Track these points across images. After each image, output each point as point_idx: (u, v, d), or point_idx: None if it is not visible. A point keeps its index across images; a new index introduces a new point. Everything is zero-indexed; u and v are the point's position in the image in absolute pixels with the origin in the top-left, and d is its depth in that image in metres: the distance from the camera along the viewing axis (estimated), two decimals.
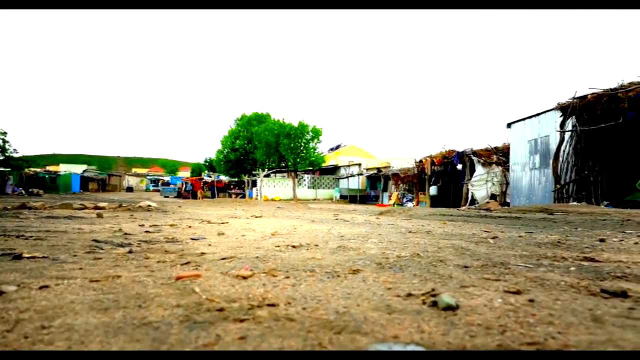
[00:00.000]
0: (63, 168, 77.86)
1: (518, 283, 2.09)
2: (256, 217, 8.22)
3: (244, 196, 41.55)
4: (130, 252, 3.27)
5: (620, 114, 15.32)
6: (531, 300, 1.75)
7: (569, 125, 18.17)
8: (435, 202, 29.03)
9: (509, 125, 23.81)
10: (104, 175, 72.27)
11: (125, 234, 4.72)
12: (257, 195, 38.87)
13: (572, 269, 2.52)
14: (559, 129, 18.63)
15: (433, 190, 29.58)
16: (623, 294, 1.82)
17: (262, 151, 33.80)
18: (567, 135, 18.33)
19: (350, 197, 39.21)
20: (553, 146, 19.31)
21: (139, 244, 3.84)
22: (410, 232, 5.05)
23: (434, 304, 1.70)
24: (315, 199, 40.86)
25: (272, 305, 1.73)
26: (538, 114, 21.05)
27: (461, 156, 27.10)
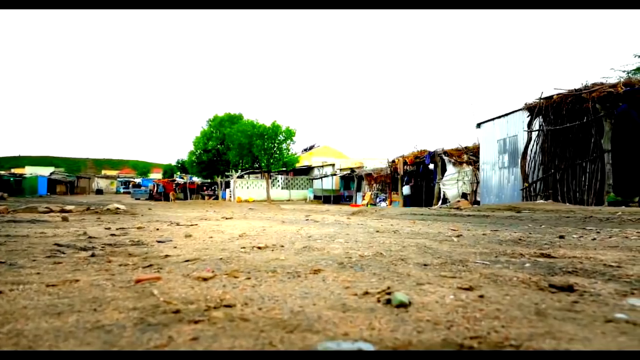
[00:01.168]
0: (29, 170, 75.60)
1: (472, 280, 2.16)
2: (226, 218, 8.17)
3: (217, 198, 41.21)
4: (92, 255, 3.23)
5: (585, 114, 15.80)
6: (481, 296, 1.80)
7: (536, 125, 18.64)
8: (408, 201, 29.36)
9: (478, 125, 24.27)
10: (72, 177, 70.65)
11: (90, 237, 4.64)
12: (230, 197, 38.63)
13: (527, 265, 2.60)
14: (526, 128, 19.10)
15: (406, 189, 29.93)
16: (569, 288, 1.90)
17: (235, 152, 33.57)
18: (534, 135, 18.80)
19: (324, 198, 39.33)
20: (521, 145, 19.78)
21: (102, 247, 3.79)
22: (377, 231, 5.11)
23: (388, 302, 1.74)
24: (289, 200, 40.83)
25: (229, 306, 1.75)
26: (506, 114, 21.52)
27: (432, 156, 27.49)
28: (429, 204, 27.07)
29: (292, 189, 44.21)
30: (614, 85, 15.58)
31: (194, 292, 2.00)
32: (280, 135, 33.53)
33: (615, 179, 14.27)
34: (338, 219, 7.90)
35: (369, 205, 28.77)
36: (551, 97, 17.70)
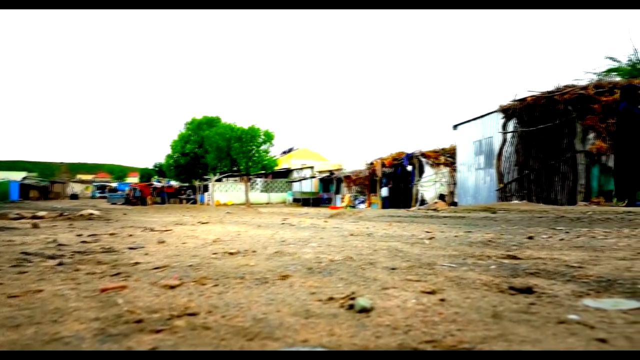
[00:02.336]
0: (0, 175, 73.81)
1: (436, 283, 2.19)
2: (202, 223, 8.11)
3: (195, 202, 40.85)
4: (60, 264, 3.18)
5: (557, 115, 16.17)
6: (442, 300, 1.84)
7: (511, 126, 19.00)
8: (386, 203, 29.56)
9: (455, 127, 24.58)
10: (45, 182, 69.27)
11: (60, 245, 4.56)
12: (208, 201, 38.31)
13: (493, 267, 2.66)
14: (501, 130, 19.44)
15: (384, 191, 30.13)
16: (528, 290, 1.95)
17: (213, 155, 33.35)
18: (508, 136, 19.15)
19: (303, 200, 39.33)
20: (496, 147, 20.11)
21: (72, 255, 3.73)
22: (352, 235, 5.14)
23: (351, 307, 1.76)
24: (268, 203, 40.73)
25: (192, 314, 1.75)
26: (482, 116, 21.84)
27: (410, 158, 27.76)
28: (408, 205, 27.29)
29: (271, 192, 44.12)
30: (585, 88, 15.99)
31: (159, 300, 1.99)
32: (259, 138, 33.48)
33: (619, 179, 14.05)
34: (314, 223, 7.91)
35: (348, 208, 28.88)
36: (525, 99, 18.05)
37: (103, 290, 2.23)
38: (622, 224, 6.59)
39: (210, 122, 37.38)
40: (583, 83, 18.18)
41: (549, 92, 16.79)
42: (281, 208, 26.52)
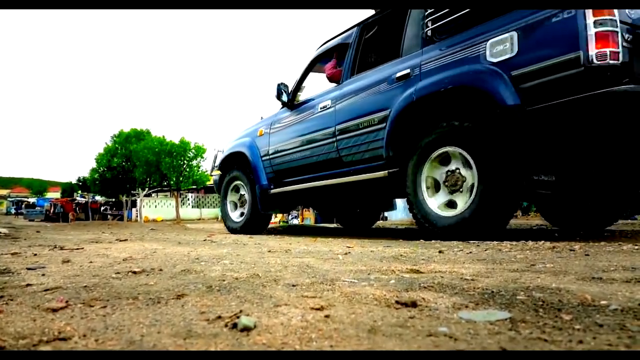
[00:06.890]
0: None
1: (330, 299, 2.22)
2: (121, 241, 7.77)
3: (122, 218, 39.13)
4: None
5: None
6: (327, 316, 1.86)
7: None
8: (319, 218, 29.71)
9: None
10: None
11: None
12: (137, 217, 36.84)
13: (392, 282, 2.73)
14: None
15: None
16: (413, 304, 2.01)
17: (141, 170, 32.28)
18: None
19: None
20: None
21: None
22: (269, 251, 5.11)
23: (235, 326, 1.74)
24: (200, 219, 39.79)
25: (64, 339, 1.66)
26: None
27: None
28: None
29: (204, 207, 43.16)
30: None
31: (34, 325, 1.87)
32: (190, 152, 32.81)
33: None
34: (238, 239, 7.82)
35: (281, 223, 28.78)
36: None
37: None
38: (530, 236, 7.01)
39: (139, 135, 36.21)
40: None
41: None
42: (212, 224, 25.98)
